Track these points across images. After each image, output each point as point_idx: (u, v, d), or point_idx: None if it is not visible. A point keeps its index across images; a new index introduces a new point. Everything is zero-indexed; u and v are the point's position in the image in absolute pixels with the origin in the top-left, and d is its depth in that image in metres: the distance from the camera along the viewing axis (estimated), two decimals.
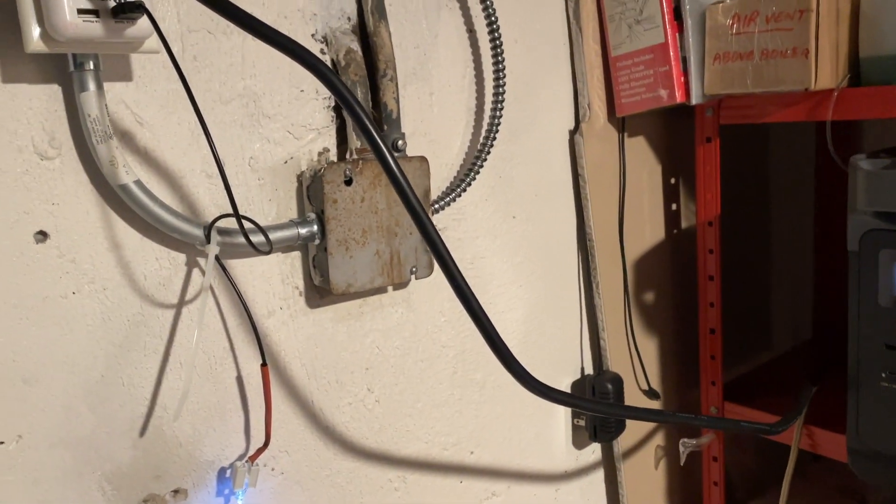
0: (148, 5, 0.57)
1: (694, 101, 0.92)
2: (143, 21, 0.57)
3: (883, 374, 0.79)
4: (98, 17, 0.54)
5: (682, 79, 0.91)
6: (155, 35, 0.58)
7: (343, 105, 0.49)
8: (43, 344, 0.62)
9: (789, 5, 0.81)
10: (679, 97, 0.91)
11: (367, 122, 0.52)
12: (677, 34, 0.90)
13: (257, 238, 0.67)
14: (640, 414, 0.74)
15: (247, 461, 0.72)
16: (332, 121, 0.77)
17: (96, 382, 0.65)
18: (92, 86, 0.59)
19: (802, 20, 0.81)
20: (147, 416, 0.68)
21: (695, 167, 0.99)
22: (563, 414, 1.04)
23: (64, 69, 0.60)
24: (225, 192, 0.62)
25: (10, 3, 0.55)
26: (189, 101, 0.57)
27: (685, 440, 1.03)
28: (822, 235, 1.30)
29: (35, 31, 0.55)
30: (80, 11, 0.53)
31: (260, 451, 0.72)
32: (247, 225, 0.67)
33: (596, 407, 0.78)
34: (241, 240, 0.66)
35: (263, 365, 0.70)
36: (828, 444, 0.93)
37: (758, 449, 1.27)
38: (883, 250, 0.76)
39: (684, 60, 0.91)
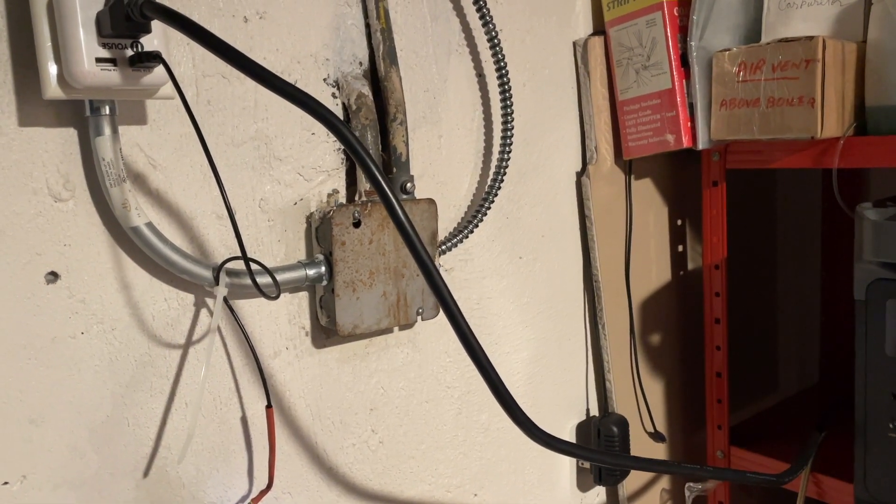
0: (164, 51, 0.58)
1: (700, 146, 0.92)
2: (160, 68, 0.58)
3: (891, 425, 0.78)
4: (115, 65, 0.55)
5: (689, 124, 0.92)
6: (171, 82, 0.59)
7: (352, 155, 0.50)
8: (50, 384, 0.62)
9: (795, 55, 0.82)
10: (686, 142, 0.92)
11: (377, 172, 0.53)
12: (684, 80, 0.91)
13: (265, 281, 0.67)
14: (647, 465, 0.73)
15: (250, 503, 0.72)
16: (342, 163, 0.78)
17: (102, 423, 0.65)
18: (107, 130, 0.60)
19: (809, 70, 0.81)
20: (151, 456, 0.68)
21: (701, 210, 0.99)
22: (567, 456, 1.03)
23: (80, 113, 0.61)
24: (234, 233, 0.63)
25: (30, 49, 0.57)
26: (202, 146, 0.58)
27: (690, 484, 1.02)
28: (829, 278, 1.30)
29: (53, 78, 0.56)
30: (99, 60, 0.55)
31: (263, 493, 0.72)
32: (255, 267, 0.68)
33: (601, 457, 0.78)
34: (250, 281, 0.66)
35: (268, 407, 0.70)
36: (835, 492, 0.92)
37: (764, 494, 1.26)
38: (890, 300, 0.75)
39: (691, 106, 0.92)
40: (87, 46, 0.54)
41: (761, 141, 0.88)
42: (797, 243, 1.31)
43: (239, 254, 0.65)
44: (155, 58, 0.55)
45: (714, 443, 1.04)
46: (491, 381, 0.53)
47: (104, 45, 0.55)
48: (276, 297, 0.66)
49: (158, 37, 0.57)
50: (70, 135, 0.61)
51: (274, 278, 0.67)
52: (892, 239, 0.73)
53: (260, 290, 0.64)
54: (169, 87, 0.60)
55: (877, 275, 0.76)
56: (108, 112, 0.59)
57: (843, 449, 0.92)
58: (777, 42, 0.84)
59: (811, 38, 0.81)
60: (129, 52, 0.56)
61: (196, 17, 0.67)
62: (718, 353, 1.01)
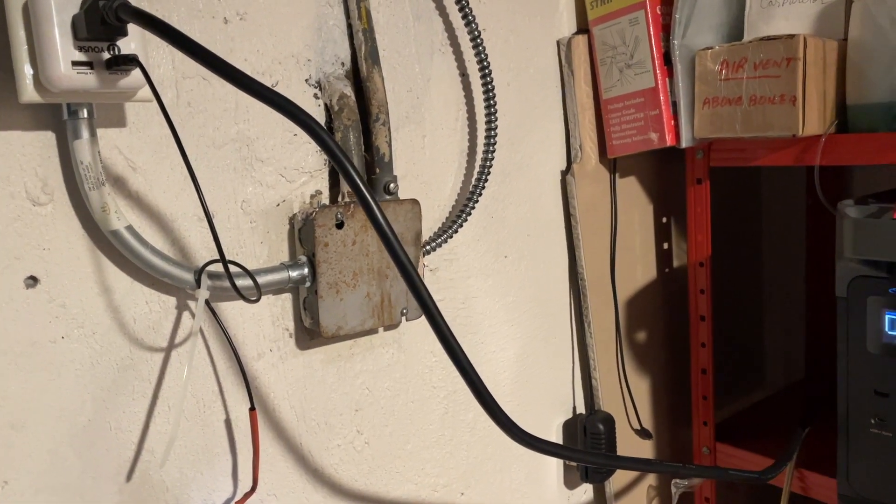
0: (142, 53, 0.58)
1: (684, 144, 0.92)
2: (137, 71, 0.57)
3: (872, 421, 0.79)
4: (92, 68, 0.55)
5: (673, 122, 0.92)
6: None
7: (323, 149, 0.50)
8: (30, 389, 0.62)
9: (777, 53, 0.83)
10: (669, 140, 0.92)
11: (350, 168, 0.52)
12: (667, 78, 0.92)
13: (246, 283, 0.67)
14: (628, 463, 0.74)
15: None
16: (325, 164, 0.78)
17: (83, 427, 0.65)
18: (85, 133, 0.59)
19: (790, 68, 0.82)
20: (134, 460, 0.68)
21: (686, 208, 1.00)
22: None
23: (58, 116, 0.60)
24: (212, 236, 0.63)
25: (5, 52, 0.56)
26: (178, 148, 0.58)
27: (677, 481, 1.02)
28: (814, 274, 1.30)
29: (29, 81, 0.55)
30: (75, 63, 0.54)
31: (247, 495, 0.72)
32: (236, 270, 0.67)
33: (582, 456, 0.78)
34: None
35: (252, 409, 0.70)
36: (819, 488, 0.93)
37: (750, 490, 1.27)
38: (870, 297, 0.76)
39: (674, 104, 0.92)
40: (62, 49, 0.54)
41: (744, 139, 0.89)
42: (782, 240, 1.32)
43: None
44: (131, 61, 0.54)
45: (700, 439, 1.04)
46: (469, 379, 0.53)
47: (80, 49, 0.54)
48: (257, 300, 0.66)
49: (136, 39, 0.57)
50: (48, 138, 0.61)
51: (255, 280, 0.67)
52: (873, 236, 0.73)
53: (239, 293, 0.64)
54: (148, 90, 0.60)
55: (857, 272, 0.77)
56: (85, 115, 0.59)
57: (828, 444, 0.92)
58: (758, 40, 0.84)
59: (792, 36, 0.81)
60: (106, 55, 0.55)
61: (175, 19, 0.66)
62: (703, 349, 1.02)
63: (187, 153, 0.66)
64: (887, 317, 0.75)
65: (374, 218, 0.48)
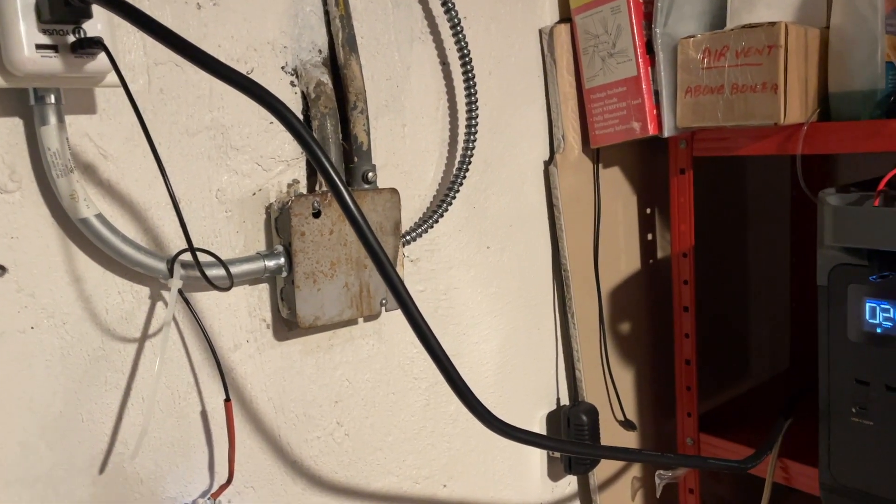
0: (109, 36, 0.57)
1: (666, 133, 0.92)
2: (105, 55, 0.56)
3: (853, 409, 0.78)
4: (57, 52, 0.54)
5: (655, 111, 0.92)
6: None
7: (295, 137, 0.49)
8: None
9: (758, 41, 0.82)
10: (652, 130, 0.92)
11: (327, 164, 0.52)
12: (649, 67, 0.91)
13: (219, 272, 0.66)
14: (605, 452, 0.73)
15: (209, 498, 0.71)
16: (302, 153, 0.77)
17: (55, 419, 0.64)
18: (53, 119, 0.58)
19: (771, 56, 0.81)
20: (107, 452, 0.67)
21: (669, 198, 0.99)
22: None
23: (25, 102, 0.59)
24: (190, 225, 0.62)
25: None
26: (144, 134, 0.57)
27: (661, 472, 1.02)
28: (799, 265, 1.30)
29: None
30: (39, 46, 0.53)
31: (223, 487, 0.71)
32: (210, 259, 0.66)
33: (557, 445, 0.77)
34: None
35: (227, 400, 0.69)
36: (802, 477, 0.92)
37: (734, 480, 1.27)
38: (851, 285, 0.76)
39: (656, 93, 0.91)
40: (26, 32, 0.53)
41: (726, 128, 0.88)
42: (767, 231, 1.31)
43: (195, 245, 0.64)
44: (96, 43, 0.53)
45: (684, 430, 1.04)
46: (440, 362, 0.53)
47: (44, 31, 0.53)
48: (228, 289, 0.65)
49: (102, 21, 0.56)
50: (15, 124, 0.60)
51: (227, 269, 0.66)
52: (853, 224, 0.73)
53: (208, 281, 0.63)
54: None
55: (838, 260, 0.76)
56: (53, 101, 0.58)
57: (811, 434, 0.92)
58: (740, 28, 0.83)
59: (773, 23, 0.81)
60: (71, 38, 0.54)
61: (146, 4, 0.65)
62: (687, 340, 1.01)
63: (160, 141, 0.66)
64: (868, 305, 0.75)
65: (339, 197, 0.47)
